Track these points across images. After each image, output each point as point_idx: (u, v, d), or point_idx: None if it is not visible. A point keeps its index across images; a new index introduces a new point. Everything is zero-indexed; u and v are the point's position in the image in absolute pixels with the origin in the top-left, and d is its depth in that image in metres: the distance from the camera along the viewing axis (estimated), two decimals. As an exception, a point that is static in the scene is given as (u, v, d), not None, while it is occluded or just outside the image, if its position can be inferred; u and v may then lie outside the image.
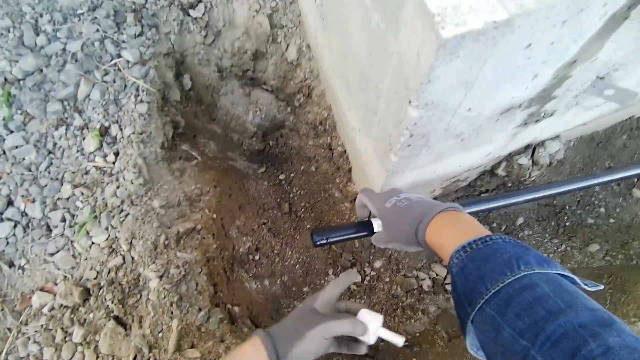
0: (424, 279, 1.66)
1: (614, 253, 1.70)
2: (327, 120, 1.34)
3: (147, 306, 1.06)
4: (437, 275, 1.68)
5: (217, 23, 1.31)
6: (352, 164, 1.35)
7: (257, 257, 1.45)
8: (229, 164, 1.55)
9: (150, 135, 1.20)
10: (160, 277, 1.09)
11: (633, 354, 0.35)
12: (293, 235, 1.60)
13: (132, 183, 1.17)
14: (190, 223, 1.21)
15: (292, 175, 1.64)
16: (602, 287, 0.50)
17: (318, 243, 0.84)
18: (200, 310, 1.09)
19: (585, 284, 0.50)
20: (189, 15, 1.29)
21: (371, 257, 1.65)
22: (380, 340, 0.71)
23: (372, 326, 0.69)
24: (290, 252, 1.55)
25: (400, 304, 1.60)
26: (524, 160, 1.24)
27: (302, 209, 1.63)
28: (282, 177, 1.65)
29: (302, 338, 0.65)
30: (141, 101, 1.21)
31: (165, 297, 1.07)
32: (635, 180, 1.82)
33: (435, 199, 1.51)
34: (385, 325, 0.71)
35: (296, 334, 0.66)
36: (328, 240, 0.84)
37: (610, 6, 0.60)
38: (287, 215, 1.61)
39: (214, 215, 1.31)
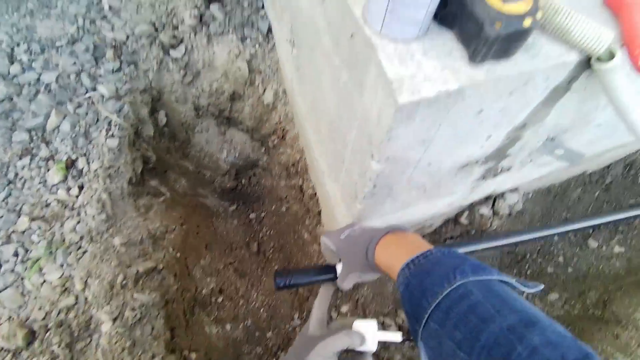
0: (390, 325, 1.65)
1: (572, 302, 1.75)
2: (300, 162, 1.37)
3: (96, 352, 1.00)
4: (403, 322, 1.67)
5: (196, 64, 1.35)
6: (322, 206, 1.37)
7: (220, 300, 1.40)
8: (199, 200, 1.54)
9: (118, 170, 1.19)
10: (114, 320, 1.04)
11: (557, 350, 0.36)
12: (260, 276, 1.57)
13: (94, 219, 1.14)
14: (151, 262, 1.17)
15: (262, 214, 1.64)
16: (542, 286, 0.51)
17: (280, 285, 0.83)
18: (153, 357, 1.03)
19: (526, 286, 0.51)
20: (169, 55, 1.33)
21: (338, 302, 1.63)
22: (382, 344, 0.70)
23: (368, 334, 0.70)
24: (255, 295, 1.51)
25: (366, 351, 1.57)
26: (485, 210, 1.30)
27: (271, 250, 1.62)
28: (252, 216, 1.65)
29: None
30: (112, 135, 1.21)
31: (117, 342, 1.02)
32: (591, 231, 1.92)
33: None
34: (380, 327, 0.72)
35: None
36: (290, 283, 0.84)
37: (552, 80, 0.66)
38: (255, 255, 1.59)
39: (178, 254, 1.28)
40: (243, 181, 1.64)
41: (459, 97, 0.59)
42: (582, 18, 0.54)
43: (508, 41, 0.51)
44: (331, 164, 1.06)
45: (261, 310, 1.51)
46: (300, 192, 1.45)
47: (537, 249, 1.87)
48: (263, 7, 1.31)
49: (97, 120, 1.23)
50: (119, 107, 1.24)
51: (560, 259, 1.87)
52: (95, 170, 1.17)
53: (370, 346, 0.70)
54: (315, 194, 1.36)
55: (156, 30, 1.31)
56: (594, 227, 1.94)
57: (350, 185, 0.92)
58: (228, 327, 1.39)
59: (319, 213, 1.40)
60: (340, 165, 0.96)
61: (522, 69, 0.57)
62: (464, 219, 1.37)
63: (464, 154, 0.82)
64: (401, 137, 0.64)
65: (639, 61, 0.57)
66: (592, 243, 1.87)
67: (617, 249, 1.84)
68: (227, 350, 1.35)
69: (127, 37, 1.29)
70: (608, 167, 1.69)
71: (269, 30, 1.31)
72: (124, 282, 1.11)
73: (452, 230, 1.51)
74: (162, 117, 1.39)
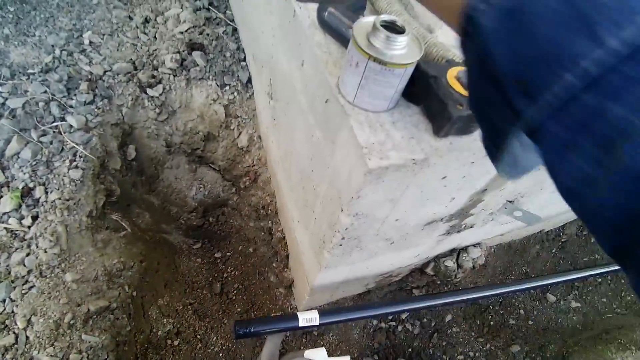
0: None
1: (533, 355, 1.78)
2: (270, 205, 1.37)
3: (31, 402, 0.91)
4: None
5: (173, 104, 1.35)
6: (290, 251, 1.36)
7: (176, 343, 1.32)
8: (162, 236, 1.48)
9: (78, 203, 1.14)
10: (56, 365, 0.96)
11: None
12: (221, 319, 1.51)
13: (46, 252, 1.07)
14: (104, 301, 1.10)
15: (228, 254, 1.60)
16: None
17: (240, 333, 0.81)
18: (96, 409, 0.95)
19: None
20: (146, 93, 1.33)
21: (302, 347, 1.58)
22: None
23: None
24: (215, 338, 1.44)
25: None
26: (450, 263, 1.33)
27: (235, 291, 1.56)
28: (218, 255, 1.60)
29: None
30: (76, 167, 1.17)
31: (56, 391, 0.93)
32: (549, 286, 1.99)
33: (368, 291, 1.53)
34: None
35: None
36: (251, 331, 0.82)
37: (508, 153, 0.71)
38: (217, 296, 1.53)
39: (134, 293, 1.21)
40: (211, 219, 1.60)
41: (425, 165, 0.62)
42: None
43: (469, 121, 0.55)
44: (301, 211, 1.06)
45: (220, 354, 1.43)
46: (269, 235, 1.43)
47: (499, 301, 1.91)
48: (245, 59, 1.36)
49: (62, 150, 1.19)
50: (86, 138, 1.21)
51: (522, 311, 1.91)
52: (53, 201, 1.12)
53: None
54: (284, 237, 1.35)
55: (135, 68, 1.32)
56: (551, 283, 2.02)
57: (319, 234, 0.93)
58: (182, 374, 1.30)
59: (287, 257, 1.38)
60: (310, 214, 0.97)
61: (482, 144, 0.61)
62: (429, 270, 1.39)
63: (430, 212, 0.85)
64: (369, 195, 0.66)
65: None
66: (551, 297, 1.93)
67: (574, 304, 1.91)
68: (178, 401, 1.26)
69: (104, 72, 1.28)
70: (563, 227, 1.79)
71: (249, 80, 1.35)
72: (72, 321, 1.03)
73: (418, 280, 1.53)
74: (131, 151, 1.36)
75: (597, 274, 1.39)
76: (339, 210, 0.75)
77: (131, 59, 1.32)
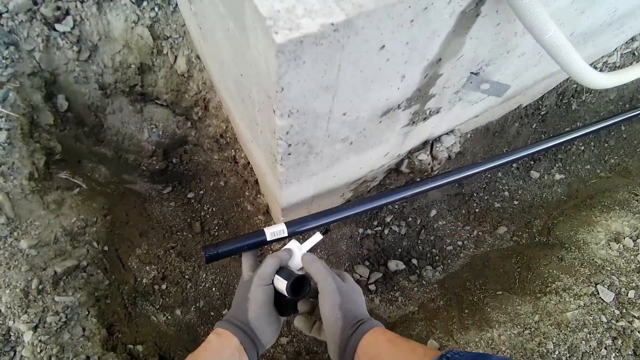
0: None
1: (520, 233, 1.83)
2: (227, 132, 1.27)
3: (19, 367, 0.90)
4: (360, 276, 1.68)
5: (91, 37, 1.18)
6: (257, 175, 1.29)
7: (164, 287, 1.32)
8: (127, 187, 1.41)
9: (12, 167, 1.04)
10: (35, 328, 0.94)
11: None
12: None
13: (-7, 224, 1.00)
14: (71, 260, 1.06)
15: (201, 192, 1.54)
16: None
17: (209, 256, 0.79)
18: (88, 358, 0.95)
19: None
20: (55, 30, 1.14)
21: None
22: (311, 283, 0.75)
23: (294, 249, 0.80)
24: (204, 275, 1.45)
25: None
26: (424, 156, 1.27)
27: (216, 227, 1.54)
28: (190, 195, 1.54)
29: (248, 300, 0.71)
30: (-2, 128, 1.04)
31: (42, 350, 0.92)
32: (532, 162, 1.98)
33: (348, 202, 1.50)
34: None
35: (243, 302, 0.71)
36: (220, 252, 0.81)
37: (455, 3, 0.60)
38: (199, 235, 1.50)
39: (105, 248, 1.17)
40: (174, 160, 1.51)
41: (350, 30, 0.51)
42: None
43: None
44: (249, 128, 0.97)
45: (213, 289, 1.45)
46: (235, 163, 1.36)
47: (483, 187, 1.91)
48: (154, -40, 1.14)
49: (-23, 112, 1.05)
50: (2, 96, 1.07)
51: (506, 193, 1.92)
52: (-16, 169, 1.02)
53: (298, 259, 0.79)
54: (249, 163, 1.28)
55: (35, 3, 1.12)
56: (534, 159, 2.00)
57: (268, 147, 0.84)
58: (178, 312, 1.33)
59: (257, 182, 1.32)
60: (255, 127, 0.88)
61: (414, -11, 0.50)
62: (404, 168, 1.34)
63: (381, 98, 0.76)
64: (294, 84, 0.56)
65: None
66: (534, 174, 1.93)
67: (558, 176, 1.91)
68: (180, 336, 1.29)
69: (0, 15, 1.09)
70: (542, 98, 1.71)
71: (167, -13, 1.15)
72: (41, 286, 1.00)
73: (396, 181, 1.49)
74: (62, 102, 1.22)
75: (578, 136, 1.35)
76: (272, 112, 0.65)
77: (25, -8, 1.11)
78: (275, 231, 0.86)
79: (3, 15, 1.14)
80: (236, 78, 0.81)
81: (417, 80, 0.77)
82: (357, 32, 0.52)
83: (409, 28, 0.58)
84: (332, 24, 0.48)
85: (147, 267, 1.29)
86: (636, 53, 1.61)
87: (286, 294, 0.73)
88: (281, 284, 0.74)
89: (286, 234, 0.87)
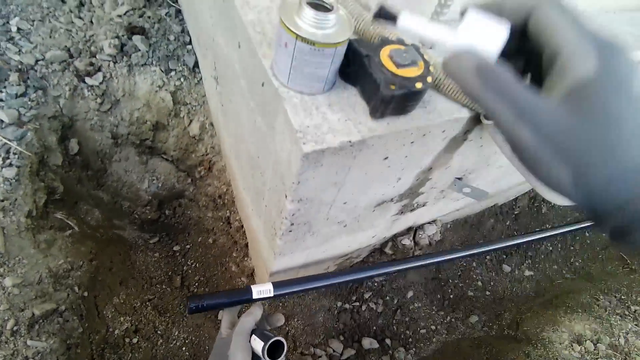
0: (320, 357, 1.63)
1: (490, 324, 1.88)
2: (227, 194, 1.34)
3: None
4: (333, 351, 1.66)
5: (115, 92, 1.28)
6: (248, 239, 1.34)
7: (135, 341, 1.29)
8: (115, 233, 1.42)
9: (14, 203, 1.07)
10: (-1, 375, 0.91)
11: None
12: (183, 312, 1.48)
13: (-18, 258, 1.00)
14: (51, 304, 1.05)
15: (188, 247, 1.56)
16: None
17: (193, 308, 0.79)
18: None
19: None
20: (84, 82, 1.24)
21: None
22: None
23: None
24: (177, 332, 1.41)
25: (296, 386, 1.53)
26: (407, 241, 1.36)
27: (196, 283, 1.53)
28: (176, 248, 1.56)
29: (227, 358, 0.68)
30: (10, 165, 1.09)
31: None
32: (504, 256, 2.10)
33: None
34: None
35: None
36: (204, 305, 0.80)
37: (448, 132, 0.72)
38: (178, 290, 1.49)
39: (85, 293, 1.16)
40: (167, 212, 1.55)
41: (363, 146, 0.61)
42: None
43: (403, 100, 0.55)
44: (254, 199, 1.05)
45: (183, 349, 1.41)
46: (228, 224, 1.41)
47: (458, 275, 1.99)
48: (190, 42, 1.29)
49: (-7, 147, 1.10)
50: (20, 134, 1.13)
51: (480, 283, 2.00)
52: (-14, 203, 1.04)
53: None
54: (242, 226, 1.33)
55: (71, 56, 1.23)
56: (507, 253, 2.12)
57: (270, 221, 0.91)
58: (144, 371, 1.28)
59: (246, 245, 1.36)
60: (261, 201, 0.95)
61: (419, 124, 0.61)
62: (388, 249, 1.42)
63: (378, 193, 0.86)
64: (310, 180, 0.65)
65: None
66: (506, 268, 2.04)
67: (527, 272, 2.02)
68: (141, 399, 1.23)
69: (36, 62, 1.19)
70: (516, 199, 1.88)
71: (196, 64, 1.29)
72: (15, 327, 0.98)
73: (378, 260, 1.56)
74: (73, 145, 1.28)
75: (546, 237, 1.47)
76: (283, 196, 0.74)
77: (66, 46, 1.23)
78: (262, 290, 0.88)
79: (39, 62, 1.24)
80: (251, 156, 0.91)
81: (410, 182, 0.88)
82: (368, 147, 0.62)
83: (409, 147, 0.69)
84: (349, 141, 0.58)
85: (122, 318, 1.26)
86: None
87: (261, 356, 0.74)
88: (257, 345, 0.73)
89: (272, 294, 0.88)
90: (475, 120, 0.71)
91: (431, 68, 0.57)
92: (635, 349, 1.51)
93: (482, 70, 0.29)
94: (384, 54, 0.56)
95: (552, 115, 0.28)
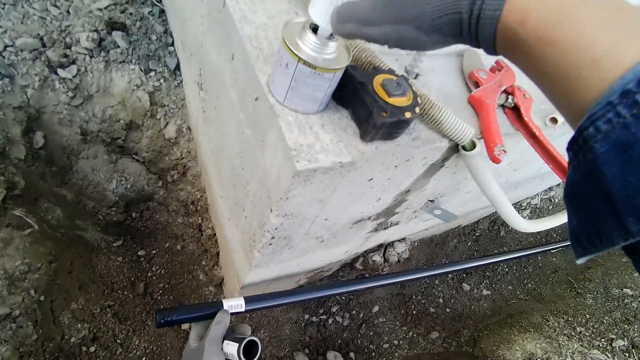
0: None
1: (450, 340, 1.95)
2: (200, 201, 1.31)
3: None
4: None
5: (89, 88, 1.23)
6: (220, 248, 1.32)
7: (92, 349, 1.22)
8: (77, 234, 1.35)
9: (-31, 198, 0.99)
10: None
11: None
12: (144, 320, 1.42)
13: None
14: (4, 308, 0.98)
15: (153, 252, 1.50)
16: None
17: (162, 322, 0.76)
18: None
19: None
20: (56, 73, 1.19)
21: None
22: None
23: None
24: (137, 341, 1.35)
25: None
26: (377, 257, 1.39)
27: (160, 291, 1.48)
28: (141, 253, 1.50)
29: None
30: (-33, 156, 1.01)
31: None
32: (464, 275, 2.19)
33: (300, 287, 1.55)
34: None
35: None
36: (173, 319, 0.78)
37: (429, 159, 0.76)
38: (140, 297, 1.43)
39: (42, 298, 1.09)
40: (134, 215, 1.50)
41: (352, 167, 0.63)
42: (451, 115, 0.64)
43: (393, 127, 0.58)
44: (232, 209, 1.04)
45: (143, 359, 1.35)
46: (199, 232, 1.38)
47: (422, 291, 2.05)
48: (173, 44, 1.27)
49: (-51, 135, 1.02)
50: (-18, 123, 1.06)
51: (441, 300, 2.07)
52: (-63, 196, 0.96)
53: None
54: (215, 234, 1.31)
55: (44, 45, 1.17)
56: (467, 272, 2.22)
57: (249, 233, 0.91)
58: (98, 382, 1.21)
59: (217, 254, 1.34)
60: (240, 212, 0.95)
61: (404, 150, 0.65)
62: (359, 265, 1.45)
63: (358, 211, 0.88)
64: (298, 196, 0.66)
65: (493, 152, 0.70)
66: (466, 286, 2.12)
67: (485, 291, 2.12)
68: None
69: (5, 47, 1.12)
70: (478, 222, 1.98)
71: (177, 67, 1.27)
72: (-39, 336, 0.90)
73: (348, 274, 1.58)
74: (38, 139, 1.22)
75: (502, 260, 1.56)
76: (268, 210, 0.74)
77: (38, 34, 1.17)
78: (233, 304, 0.86)
79: (7, 48, 1.17)
80: (235, 167, 0.90)
81: (388, 202, 0.91)
82: (357, 168, 0.64)
83: (393, 170, 0.72)
84: (341, 163, 0.60)
85: (79, 325, 1.20)
86: (552, 200, 1.96)
87: (237, 357, 0.71)
88: (232, 348, 0.72)
89: (244, 309, 0.87)
90: (454, 149, 0.76)
91: (419, 99, 0.60)
92: (580, 368, 1.62)
93: (335, 16, 0.45)
94: (377, 82, 0.59)
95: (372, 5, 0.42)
